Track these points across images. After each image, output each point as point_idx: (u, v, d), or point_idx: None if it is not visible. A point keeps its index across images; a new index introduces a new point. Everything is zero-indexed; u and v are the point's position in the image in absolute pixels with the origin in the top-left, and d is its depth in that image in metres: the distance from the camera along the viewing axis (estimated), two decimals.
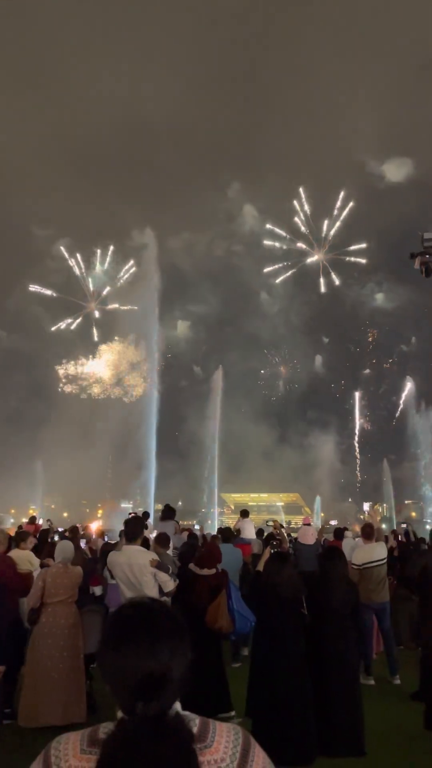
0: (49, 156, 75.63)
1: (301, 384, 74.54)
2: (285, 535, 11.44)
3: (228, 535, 12.99)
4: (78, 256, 76.94)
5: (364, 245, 75.20)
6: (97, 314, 76.40)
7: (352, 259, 75.81)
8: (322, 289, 76.45)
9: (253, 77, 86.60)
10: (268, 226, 77.24)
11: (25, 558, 9.55)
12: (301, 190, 76.89)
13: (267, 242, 76.92)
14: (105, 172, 77.71)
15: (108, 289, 76.14)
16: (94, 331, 75.20)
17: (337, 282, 76.33)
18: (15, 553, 9.35)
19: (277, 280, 76.79)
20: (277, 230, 77.15)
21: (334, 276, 76.84)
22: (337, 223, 76.57)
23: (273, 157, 79.58)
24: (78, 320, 76.61)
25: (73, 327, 76.38)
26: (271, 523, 12.14)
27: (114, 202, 76.74)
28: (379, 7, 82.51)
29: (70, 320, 76.04)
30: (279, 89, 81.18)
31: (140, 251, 71.75)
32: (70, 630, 7.80)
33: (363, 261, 75.65)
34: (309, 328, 73.94)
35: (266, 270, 76.06)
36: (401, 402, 69.91)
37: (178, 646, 1.71)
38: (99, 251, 76.45)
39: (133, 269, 71.67)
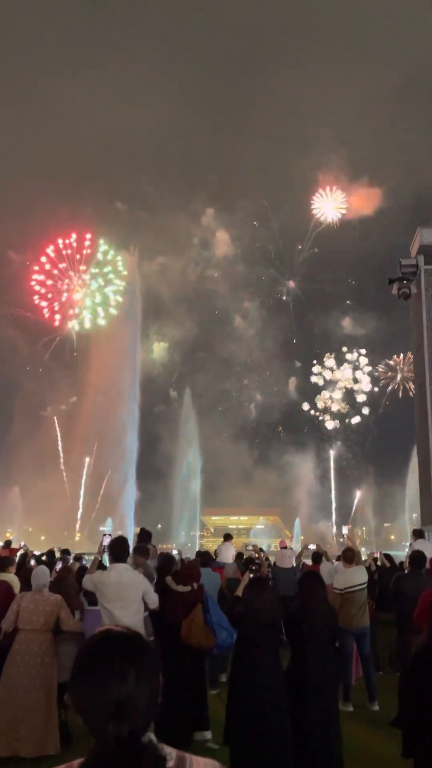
0: (26, 179, 75.61)
1: (277, 407, 74.97)
2: (264, 559, 11.34)
3: (207, 558, 12.88)
4: (57, 279, 77.01)
5: (331, 273, 76.70)
6: (75, 338, 76.29)
7: (326, 289, 77.13)
8: (292, 315, 77.45)
9: (231, 106, 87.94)
10: (240, 252, 78.38)
11: (15, 583, 9.44)
12: (272, 218, 78.20)
13: (240, 269, 77.89)
14: (82, 196, 78.04)
15: (86, 314, 76.10)
16: (75, 353, 75.10)
17: (307, 308, 77.50)
18: (3, 577, 9.24)
19: (250, 305, 77.75)
20: (250, 257, 78.31)
21: (304, 302, 78.06)
22: (306, 251, 78.01)
23: (247, 184, 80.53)
24: (55, 342, 76.46)
25: (51, 348, 76.23)
26: (250, 548, 12.05)
27: (91, 226, 76.78)
28: (356, 35, 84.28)
29: (46, 339, 75.79)
30: (256, 118, 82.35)
31: (118, 275, 72.22)
32: (43, 658, 7.62)
33: (329, 289, 77.01)
34: (283, 352, 74.73)
35: (241, 296, 77.06)
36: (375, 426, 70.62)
37: (146, 670, 1.72)
38: (77, 276, 76.60)
39: (114, 294, 71.88)
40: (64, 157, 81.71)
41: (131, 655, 1.73)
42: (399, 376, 74.91)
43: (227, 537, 15.62)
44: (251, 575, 7.70)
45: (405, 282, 20.76)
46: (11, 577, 9.55)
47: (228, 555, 14.87)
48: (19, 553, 17.45)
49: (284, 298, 79.92)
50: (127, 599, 7.02)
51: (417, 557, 9.76)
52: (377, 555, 15.24)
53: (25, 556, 16.33)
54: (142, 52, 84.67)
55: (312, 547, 15.51)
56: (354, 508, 65.43)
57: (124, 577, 7.10)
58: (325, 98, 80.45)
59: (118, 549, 7.41)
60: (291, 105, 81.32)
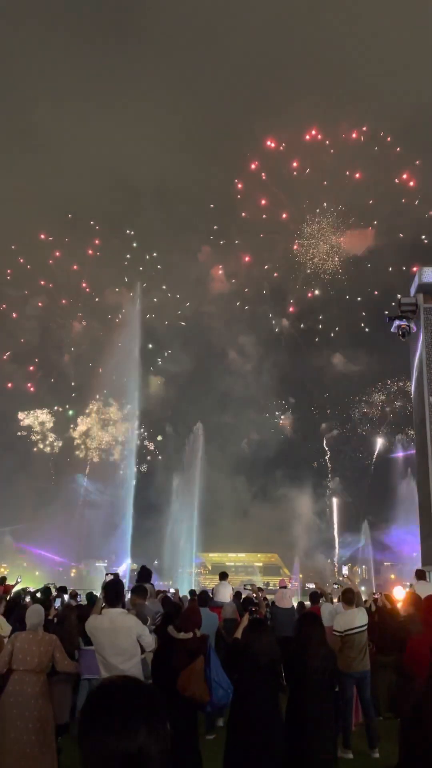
0: (30, 213, 76.71)
1: (274, 444, 74.81)
2: (263, 599, 11.17)
3: (204, 598, 12.70)
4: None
5: (325, 311, 77.48)
6: (72, 372, 76.40)
7: (317, 326, 77.86)
8: (286, 351, 77.92)
9: (231, 145, 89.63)
10: (235, 289, 79.25)
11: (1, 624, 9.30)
12: (268, 256, 79.23)
13: (236, 305, 78.68)
14: (84, 230, 79.08)
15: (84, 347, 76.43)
16: (72, 384, 75.13)
17: (301, 344, 78.00)
18: None
19: (246, 341, 78.37)
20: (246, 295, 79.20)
21: (298, 338, 78.61)
22: (300, 289, 79.00)
23: (244, 223, 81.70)
24: (52, 378, 76.54)
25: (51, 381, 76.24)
26: (249, 587, 11.88)
27: (91, 261, 77.62)
28: (355, 79, 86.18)
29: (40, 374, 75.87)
30: (255, 158, 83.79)
31: (115, 310, 72.79)
32: (37, 700, 7.43)
33: (322, 326, 77.73)
34: (278, 389, 74.96)
35: (236, 332, 77.68)
36: (372, 463, 70.47)
37: (155, 723, 1.69)
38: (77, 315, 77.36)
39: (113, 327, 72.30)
40: (72, 193, 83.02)
41: (142, 707, 1.69)
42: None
43: (223, 576, 15.42)
44: (250, 617, 7.57)
45: (404, 320, 20.92)
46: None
47: (225, 594, 14.67)
48: (14, 590, 17.23)
49: (278, 334, 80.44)
50: (120, 645, 6.85)
51: (414, 599, 9.64)
52: (378, 596, 15.03)
53: (19, 594, 16.10)
54: (147, 92, 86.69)
55: (311, 586, 15.31)
56: (356, 546, 64.86)
57: (117, 623, 6.91)
58: (323, 138, 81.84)
59: (111, 592, 7.27)
60: (288, 145, 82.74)
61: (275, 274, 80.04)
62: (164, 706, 1.76)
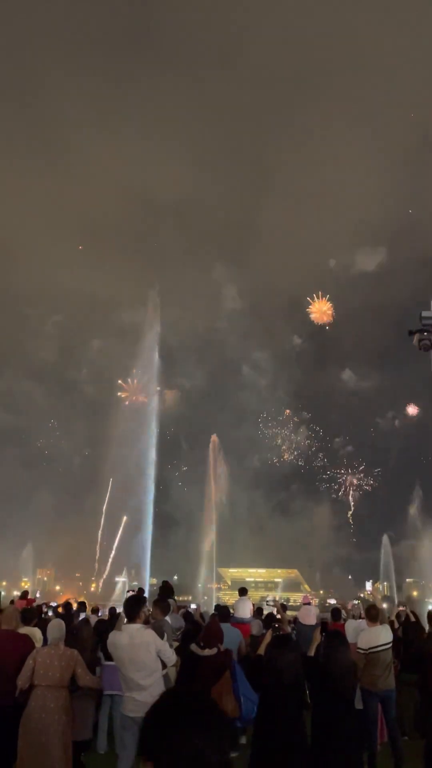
0: (50, 232, 77.66)
1: (290, 458, 74.41)
2: (285, 616, 11.04)
3: (225, 613, 12.59)
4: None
5: (338, 327, 77.38)
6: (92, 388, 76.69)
7: (328, 342, 77.74)
8: (299, 366, 77.72)
9: (251, 166, 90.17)
10: (249, 305, 79.27)
11: (37, 636, 9.34)
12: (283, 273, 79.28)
13: (250, 321, 78.72)
14: (103, 248, 79.87)
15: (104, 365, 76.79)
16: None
17: (314, 360, 77.88)
18: (26, 630, 9.11)
19: (260, 357, 78.44)
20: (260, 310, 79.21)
21: (311, 354, 78.49)
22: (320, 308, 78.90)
23: (261, 241, 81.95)
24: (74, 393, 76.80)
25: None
26: (271, 602, 11.74)
27: (109, 278, 78.20)
28: (375, 103, 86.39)
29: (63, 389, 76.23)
30: (277, 178, 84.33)
31: (135, 327, 73.18)
32: (60, 715, 7.40)
33: (334, 342, 77.56)
34: (293, 404, 74.69)
35: (250, 348, 77.68)
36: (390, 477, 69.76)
37: (218, 726, 1.79)
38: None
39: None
40: (92, 212, 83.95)
41: (205, 713, 1.78)
42: None
43: (243, 591, 15.28)
44: (274, 633, 7.49)
45: (426, 333, 20.76)
46: (33, 630, 9.42)
47: (245, 610, 14.52)
48: (34, 605, 17.25)
49: (293, 349, 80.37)
50: (140, 661, 6.82)
51: None
52: (401, 609, 14.80)
53: (40, 608, 16.12)
54: (169, 113, 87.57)
55: (332, 602, 15.13)
56: (378, 562, 64.13)
57: (136, 639, 6.89)
58: (342, 159, 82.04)
59: (131, 608, 7.25)
60: (308, 167, 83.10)
61: (289, 295, 79.96)
62: (224, 717, 1.85)
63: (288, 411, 74.75)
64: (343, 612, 14.70)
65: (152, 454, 53.98)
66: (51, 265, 76.87)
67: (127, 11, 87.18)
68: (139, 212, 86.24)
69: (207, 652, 7.56)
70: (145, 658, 6.81)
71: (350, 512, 71.20)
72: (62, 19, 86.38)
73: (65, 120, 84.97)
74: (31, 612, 10.08)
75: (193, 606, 17.32)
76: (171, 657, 7.12)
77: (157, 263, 77.13)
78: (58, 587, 52.96)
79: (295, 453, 75.57)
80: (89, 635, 9.53)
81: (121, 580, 51.00)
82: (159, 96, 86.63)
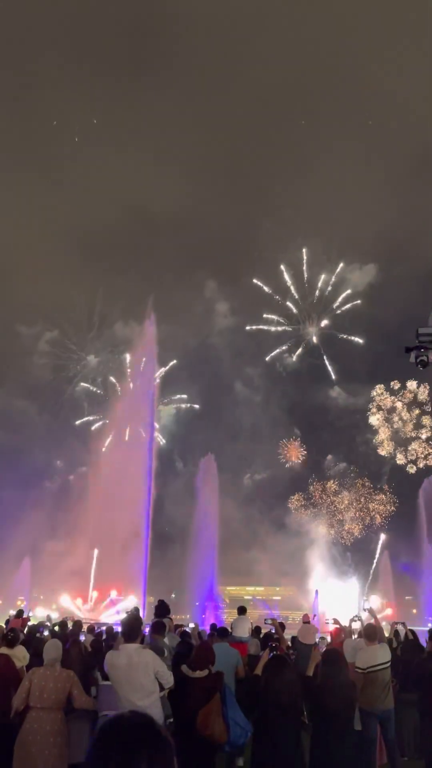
0: (45, 246, 77.89)
1: (285, 475, 74.39)
2: (283, 635, 10.96)
3: (223, 633, 12.50)
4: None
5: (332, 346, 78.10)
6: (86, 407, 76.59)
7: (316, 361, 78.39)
8: (291, 384, 78.15)
9: (247, 182, 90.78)
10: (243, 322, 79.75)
11: (19, 655, 9.26)
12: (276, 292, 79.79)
13: (242, 339, 79.41)
14: (98, 263, 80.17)
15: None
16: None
17: (306, 378, 78.32)
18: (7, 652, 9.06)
19: (253, 373, 78.95)
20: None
21: (303, 372, 78.95)
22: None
23: (256, 258, 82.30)
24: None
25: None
26: (269, 621, 11.65)
27: (104, 293, 78.38)
28: (379, 115, 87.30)
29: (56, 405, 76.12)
30: (270, 196, 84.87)
31: (125, 343, 73.45)
32: (55, 738, 7.31)
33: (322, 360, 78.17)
34: (285, 419, 74.74)
35: (243, 365, 78.16)
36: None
37: (160, 758, 1.72)
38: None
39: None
40: (84, 224, 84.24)
41: (144, 743, 1.72)
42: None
43: (242, 610, 15.18)
44: (270, 653, 7.42)
45: (422, 350, 20.82)
46: (16, 651, 9.35)
47: (244, 629, 14.42)
48: (29, 624, 17.12)
49: (285, 367, 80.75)
50: (137, 682, 6.72)
51: None
52: (398, 627, 14.70)
53: (35, 627, 15.98)
54: (167, 128, 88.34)
55: (331, 620, 15.01)
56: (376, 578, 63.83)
57: (134, 659, 6.78)
58: (350, 175, 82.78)
59: (128, 628, 7.17)
60: (303, 184, 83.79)
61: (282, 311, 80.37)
62: (170, 745, 1.79)
63: (283, 426, 74.59)
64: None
65: (149, 468, 53.85)
66: (46, 278, 76.98)
67: (126, 26, 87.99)
68: (136, 227, 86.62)
69: (198, 673, 7.45)
70: (142, 679, 6.73)
71: (347, 527, 70.91)
72: (63, 35, 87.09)
73: (61, 133, 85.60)
74: (15, 634, 10.00)
75: (191, 625, 17.19)
76: (169, 679, 7.03)
77: (153, 279, 77.31)
78: (54, 606, 52.45)
79: (289, 468, 75.51)
80: (78, 655, 9.42)
81: (117, 598, 50.57)
82: (157, 111, 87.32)
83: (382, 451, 72.92)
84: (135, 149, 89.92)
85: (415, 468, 70.78)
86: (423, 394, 71.05)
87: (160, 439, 71.63)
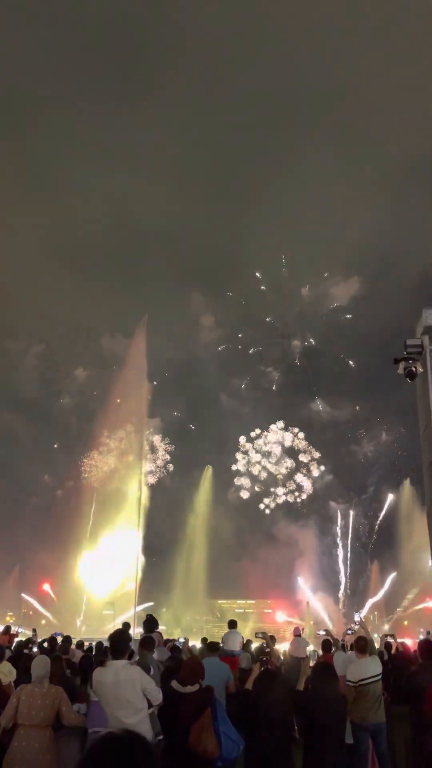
0: (33, 260, 77.80)
1: (273, 484, 74.45)
2: (275, 649, 10.90)
3: (213, 647, 12.40)
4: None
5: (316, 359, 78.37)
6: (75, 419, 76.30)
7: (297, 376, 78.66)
8: (277, 397, 78.43)
9: (235, 196, 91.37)
10: (228, 335, 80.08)
11: (5, 671, 9.15)
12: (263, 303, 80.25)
13: (228, 352, 79.66)
14: (86, 277, 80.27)
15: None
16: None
17: (291, 390, 78.58)
18: None
19: (239, 386, 79.15)
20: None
21: (288, 385, 79.17)
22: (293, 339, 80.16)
23: (242, 270, 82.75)
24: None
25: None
26: (260, 634, 11.57)
27: (92, 306, 78.40)
28: (358, 129, 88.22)
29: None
30: (258, 209, 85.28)
31: (113, 356, 73.45)
32: (44, 755, 7.21)
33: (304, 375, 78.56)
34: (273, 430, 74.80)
35: (229, 378, 78.43)
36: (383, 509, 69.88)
37: None
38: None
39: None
40: (72, 237, 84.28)
41: (133, 762, 1.73)
42: None
43: (232, 624, 15.08)
44: (261, 667, 7.37)
45: (410, 361, 20.89)
46: (1, 666, 9.26)
47: (235, 643, 14.32)
48: (16, 640, 16.94)
49: (271, 379, 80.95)
50: (124, 699, 6.62)
51: (428, 648, 9.38)
52: (389, 639, 14.66)
53: (26, 643, 15.82)
54: (157, 142, 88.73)
55: (321, 633, 14.92)
56: (367, 590, 63.76)
57: (121, 676, 6.66)
58: (326, 191, 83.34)
59: (116, 644, 7.08)
60: (289, 197, 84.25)
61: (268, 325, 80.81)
62: (157, 761, 1.83)
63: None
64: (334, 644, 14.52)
65: (139, 481, 53.75)
66: (34, 293, 76.94)
67: (112, 44, 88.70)
68: (123, 240, 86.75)
69: (188, 688, 7.37)
70: (129, 696, 6.63)
71: (338, 538, 70.84)
72: (51, 54, 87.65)
73: (49, 147, 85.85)
74: (0, 650, 9.95)
75: (181, 639, 17.07)
76: (157, 696, 6.91)
77: (141, 292, 77.44)
78: (44, 621, 52.04)
79: (280, 482, 75.48)
80: (60, 671, 9.32)
81: (108, 613, 50.24)
82: (147, 126, 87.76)
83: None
84: (123, 164, 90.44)
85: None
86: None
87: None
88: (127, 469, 56.04)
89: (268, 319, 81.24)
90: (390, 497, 67.57)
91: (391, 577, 61.37)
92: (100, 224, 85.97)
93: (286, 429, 73.67)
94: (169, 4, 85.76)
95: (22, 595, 56.78)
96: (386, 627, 53.78)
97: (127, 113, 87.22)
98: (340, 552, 69.78)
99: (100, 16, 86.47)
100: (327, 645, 14.07)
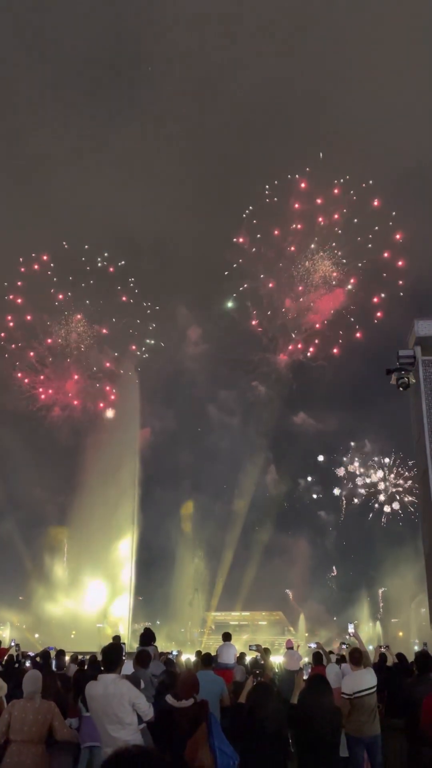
0: (20, 270, 77.66)
1: (265, 500, 74.31)
2: (269, 661, 10.83)
3: (208, 660, 12.34)
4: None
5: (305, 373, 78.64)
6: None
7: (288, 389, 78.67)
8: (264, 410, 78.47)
9: (226, 208, 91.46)
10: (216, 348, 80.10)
11: None
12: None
13: (217, 364, 79.59)
14: (74, 288, 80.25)
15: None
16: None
17: (280, 403, 78.63)
18: None
19: (228, 398, 79.23)
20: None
21: (275, 398, 79.24)
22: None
23: (232, 283, 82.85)
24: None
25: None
26: (254, 647, 11.52)
27: (81, 318, 78.31)
28: (351, 138, 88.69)
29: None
30: (248, 220, 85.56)
31: (109, 368, 73.35)
32: None
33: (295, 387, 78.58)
34: (260, 445, 74.77)
35: (218, 390, 78.39)
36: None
37: None
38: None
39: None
40: (63, 246, 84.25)
41: None
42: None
43: (227, 637, 15.01)
44: (255, 680, 7.33)
45: (403, 372, 21.03)
46: None
47: (230, 656, 14.25)
48: (8, 654, 16.76)
49: (258, 393, 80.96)
50: (113, 713, 6.56)
51: (424, 661, 9.34)
52: (383, 650, 14.54)
53: (13, 659, 15.62)
54: (148, 153, 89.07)
55: (312, 645, 14.83)
56: (361, 602, 63.64)
57: (110, 690, 6.61)
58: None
59: (107, 658, 7.01)
60: (284, 207, 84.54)
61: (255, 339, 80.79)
62: None
63: (260, 451, 74.64)
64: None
65: (134, 497, 53.56)
66: (23, 304, 76.74)
67: (106, 52, 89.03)
68: (115, 251, 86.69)
69: (183, 703, 7.31)
70: (118, 710, 6.57)
71: (334, 551, 70.82)
72: (44, 62, 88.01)
73: (42, 156, 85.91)
74: None
75: (174, 652, 16.95)
76: (147, 711, 6.83)
77: (130, 304, 77.36)
78: (37, 635, 51.58)
79: (270, 494, 75.41)
80: (53, 685, 9.23)
81: (101, 626, 49.88)
82: (139, 136, 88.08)
83: None
84: (115, 174, 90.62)
85: None
86: None
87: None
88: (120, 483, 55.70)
89: (256, 330, 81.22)
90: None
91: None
92: (91, 234, 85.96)
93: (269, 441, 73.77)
94: (159, 12, 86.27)
95: None
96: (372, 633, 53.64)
97: (112, 126, 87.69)
98: (335, 564, 69.80)
99: (90, 27, 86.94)
100: (317, 657, 13.95)
